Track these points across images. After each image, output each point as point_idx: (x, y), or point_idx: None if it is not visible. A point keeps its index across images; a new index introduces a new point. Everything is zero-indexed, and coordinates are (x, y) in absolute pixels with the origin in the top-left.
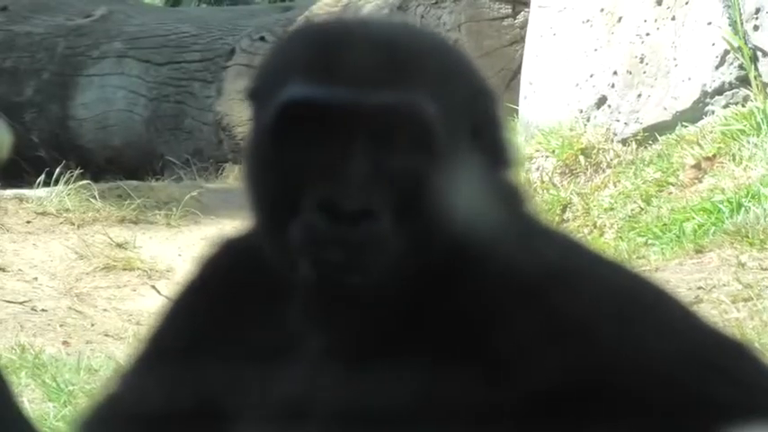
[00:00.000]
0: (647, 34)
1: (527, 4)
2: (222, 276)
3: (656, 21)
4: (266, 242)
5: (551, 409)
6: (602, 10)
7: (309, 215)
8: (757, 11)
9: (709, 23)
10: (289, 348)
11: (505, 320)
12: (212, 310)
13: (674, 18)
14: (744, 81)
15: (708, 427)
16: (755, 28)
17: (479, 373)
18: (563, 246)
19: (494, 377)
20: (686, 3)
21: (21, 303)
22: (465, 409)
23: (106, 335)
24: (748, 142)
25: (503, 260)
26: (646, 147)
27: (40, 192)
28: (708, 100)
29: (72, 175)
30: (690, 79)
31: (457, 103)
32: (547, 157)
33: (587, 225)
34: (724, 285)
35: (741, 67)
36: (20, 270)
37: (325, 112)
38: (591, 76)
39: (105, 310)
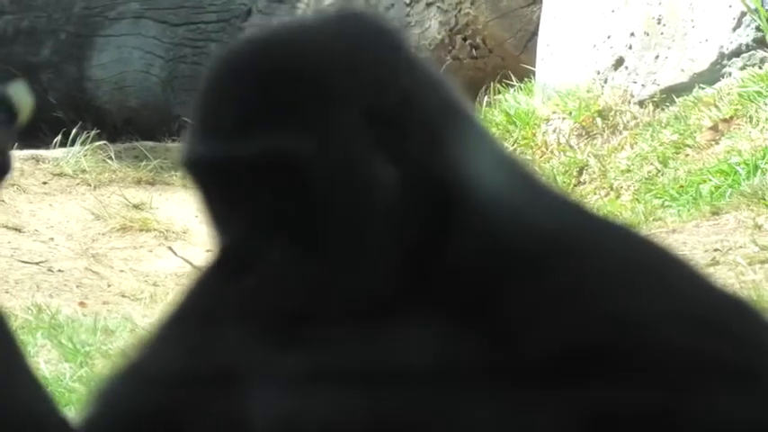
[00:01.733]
0: None
1: None
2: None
3: None
4: None
5: (555, 377)
6: None
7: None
8: None
9: None
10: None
11: (508, 288)
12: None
13: None
14: (761, 43)
15: (713, 389)
16: None
17: (481, 340)
18: (568, 210)
19: (496, 344)
20: None
21: (37, 264)
22: (465, 376)
23: (122, 296)
24: (765, 104)
25: (504, 228)
26: (663, 108)
27: (56, 152)
28: (725, 62)
29: (88, 136)
30: (707, 41)
31: (344, 119)
32: (564, 118)
33: (604, 187)
34: (740, 247)
35: (758, 28)
36: (36, 231)
37: (205, 168)
38: (608, 37)
39: (122, 270)
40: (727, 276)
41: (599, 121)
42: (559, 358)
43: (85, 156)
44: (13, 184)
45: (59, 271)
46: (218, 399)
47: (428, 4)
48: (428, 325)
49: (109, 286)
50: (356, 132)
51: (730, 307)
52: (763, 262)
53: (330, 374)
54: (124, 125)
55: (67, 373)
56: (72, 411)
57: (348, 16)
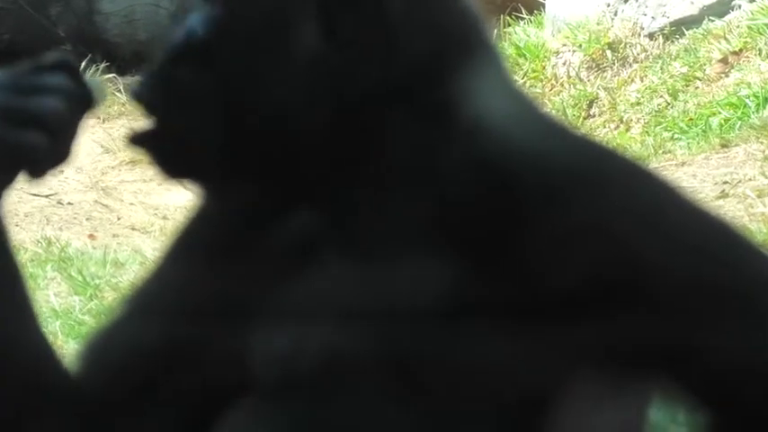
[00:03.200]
0: None
1: None
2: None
3: None
4: None
5: (574, 312)
6: None
7: None
8: None
9: None
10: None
11: (524, 222)
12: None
13: None
14: None
15: (720, 317)
16: None
17: (493, 275)
18: (580, 145)
19: (511, 280)
20: None
21: (46, 197)
22: (477, 312)
23: (132, 228)
24: None
25: (516, 159)
26: (672, 41)
27: None
28: None
29: (98, 69)
30: None
31: None
32: (573, 51)
33: (613, 120)
34: (750, 180)
35: None
36: None
37: None
38: None
39: (131, 204)
40: (736, 209)
41: (609, 53)
42: (579, 293)
43: None
44: None
45: (69, 204)
46: (217, 332)
47: None
48: (432, 255)
49: (119, 219)
50: None
51: (729, 238)
52: None
53: (329, 306)
54: (133, 58)
55: (77, 305)
56: (81, 344)
57: None
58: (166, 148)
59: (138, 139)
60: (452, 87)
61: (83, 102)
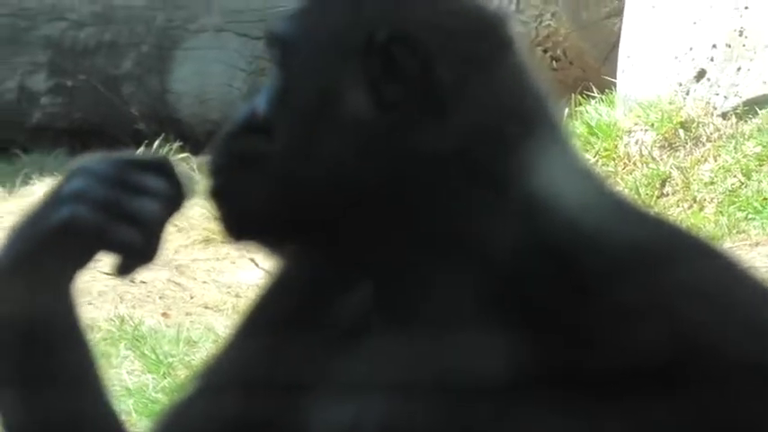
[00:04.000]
0: (746, 8)
1: None
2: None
3: None
4: None
5: (626, 391)
6: None
7: None
8: None
9: None
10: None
11: (583, 302)
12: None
13: None
14: None
15: None
16: None
17: (551, 351)
18: (647, 224)
19: (568, 356)
20: None
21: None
22: (531, 385)
23: (205, 307)
24: None
25: (579, 238)
26: (746, 120)
27: None
28: None
29: (171, 149)
30: None
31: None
32: (645, 130)
33: (687, 200)
34: None
35: None
36: None
37: None
38: (690, 49)
39: (204, 282)
40: None
41: (681, 132)
42: (639, 370)
43: None
44: None
45: (142, 282)
46: (284, 406)
47: None
48: (489, 330)
49: (192, 298)
50: (342, 53)
51: None
52: None
53: (387, 380)
54: (206, 138)
55: (150, 383)
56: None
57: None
58: (232, 211)
59: (210, 196)
60: (511, 162)
61: (176, 203)
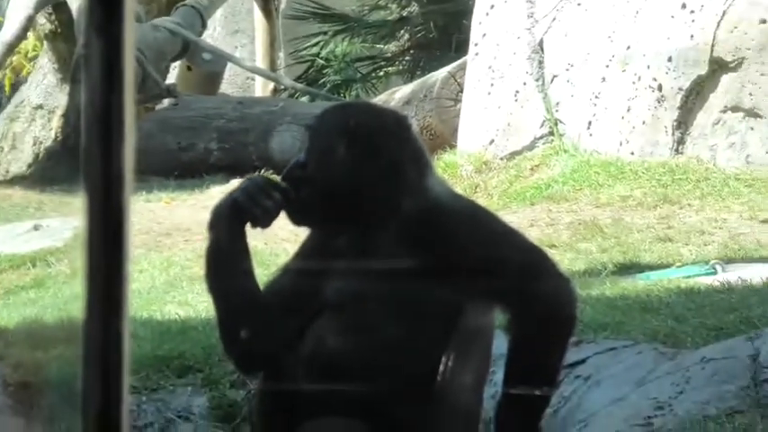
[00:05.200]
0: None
1: None
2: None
3: None
4: None
5: (459, 270)
6: None
7: None
8: None
9: None
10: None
11: (435, 224)
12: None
13: None
14: None
15: (507, 265)
16: None
17: (424, 249)
18: (463, 199)
19: (429, 252)
20: None
21: None
22: (423, 269)
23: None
24: None
25: (435, 201)
26: (510, 160)
27: None
28: None
29: (271, 174)
30: None
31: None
32: (469, 165)
33: (484, 196)
34: None
35: None
36: None
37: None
38: (486, 131)
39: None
40: None
41: (484, 167)
42: (461, 260)
43: None
44: None
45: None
46: (316, 284)
47: None
48: (398, 242)
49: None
50: (370, 158)
51: (529, 244)
52: None
53: (357, 271)
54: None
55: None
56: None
57: (382, 110)
58: (297, 212)
59: (288, 212)
60: (416, 177)
61: (280, 206)
